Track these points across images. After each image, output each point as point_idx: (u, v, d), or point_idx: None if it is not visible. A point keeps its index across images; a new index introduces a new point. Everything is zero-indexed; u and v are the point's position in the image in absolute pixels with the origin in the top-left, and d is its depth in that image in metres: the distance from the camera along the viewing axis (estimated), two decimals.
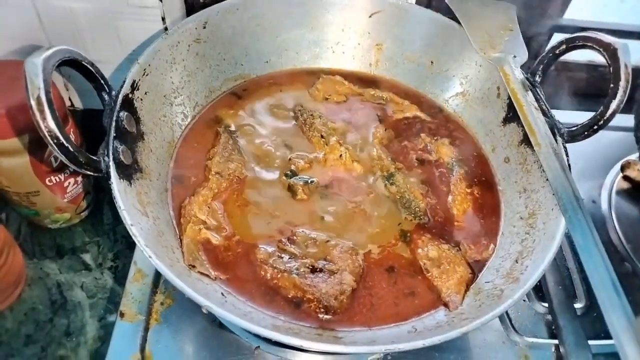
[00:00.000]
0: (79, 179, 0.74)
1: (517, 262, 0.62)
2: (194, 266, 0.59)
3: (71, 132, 0.68)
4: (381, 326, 0.58)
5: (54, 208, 0.73)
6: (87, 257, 0.77)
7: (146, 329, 0.66)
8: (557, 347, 0.70)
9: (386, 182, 0.73)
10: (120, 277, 0.74)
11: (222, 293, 0.58)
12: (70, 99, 0.89)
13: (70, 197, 0.74)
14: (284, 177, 0.71)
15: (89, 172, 0.54)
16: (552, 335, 0.72)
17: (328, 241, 0.64)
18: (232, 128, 0.76)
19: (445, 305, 0.60)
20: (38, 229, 0.78)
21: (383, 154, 0.75)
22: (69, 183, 0.72)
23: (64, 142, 0.50)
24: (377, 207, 0.70)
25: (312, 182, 0.70)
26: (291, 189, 0.69)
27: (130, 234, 0.52)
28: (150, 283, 0.70)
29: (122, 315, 0.67)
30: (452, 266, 0.63)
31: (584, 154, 0.69)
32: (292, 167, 0.72)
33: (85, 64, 0.57)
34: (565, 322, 0.71)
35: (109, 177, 0.54)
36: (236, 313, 0.51)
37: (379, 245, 0.66)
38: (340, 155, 0.73)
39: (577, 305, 0.77)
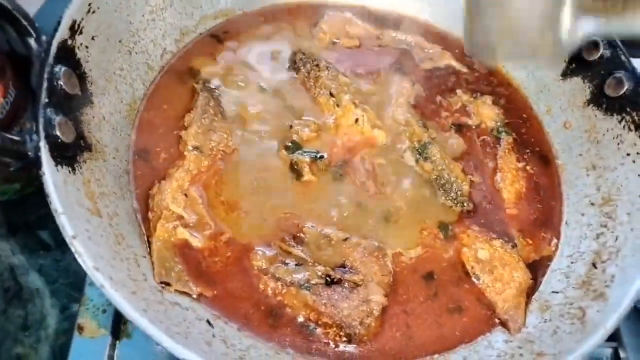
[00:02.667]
0: None
1: (595, 267, 0.52)
2: (167, 284, 0.47)
3: (10, 87, 0.57)
4: (423, 359, 0.47)
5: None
6: (44, 235, 0.68)
7: (113, 347, 0.56)
8: (615, 350, 0.61)
9: (418, 156, 0.60)
10: None
11: (207, 321, 0.46)
12: (9, 42, 0.72)
13: (18, 164, 0.62)
14: (284, 152, 0.59)
15: (6, 160, 0.43)
16: (610, 337, 0.61)
17: (346, 239, 0.53)
18: (213, 84, 0.64)
19: (504, 324, 0.50)
20: None
21: (412, 118, 0.63)
22: None
23: None
24: (407, 191, 0.59)
25: (321, 157, 0.59)
26: (294, 168, 0.58)
27: (72, 250, 0.40)
28: None
29: (80, 329, 0.56)
30: (508, 270, 0.53)
31: None
32: (294, 137, 0.60)
33: None
34: (625, 319, 0.60)
35: (39, 163, 0.43)
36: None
37: (412, 243, 0.55)
38: (357, 120, 0.61)
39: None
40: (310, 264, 0.51)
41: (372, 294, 0.48)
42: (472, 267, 0.54)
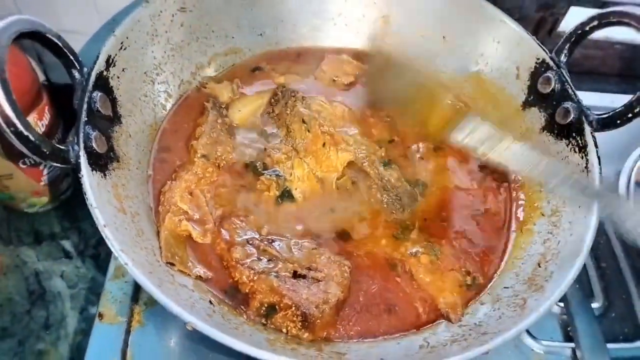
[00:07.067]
0: None
1: (539, 266, 0.57)
2: (172, 264, 0.53)
3: (45, 111, 0.63)
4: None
5: (30, 192, 0.69)
6: (67, 244, 0.73)
7: (128, 332, 0.61)
8: (573, 350, 0.66)
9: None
10: (103, 266, 0.69)
11: (210, 301, 0.52)
12: (45, 73, 0.80)
13: (47, 179, 0.69)
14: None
15: (55, 164, 0.48)
16: (568, 338, 0.68)
17: (315, 248, 0.59)
18: (223, 104, 0.70)
19: (445, 317, 0.56)
20: (14, 214, 0.73)
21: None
22: (46, 165, 0.68)
23: (23, 130, 0.45)
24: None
25: (279, 176, 0.65)
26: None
27: (103, 236, 0.47)
28: (132, 281, 0.64)
29: (100, 316, 0.62)
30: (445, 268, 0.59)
31: (600, 137, 0.63)
32: (266, 160, 0.66)
33: (50, 37, 0.51)
34: (582, 323, 0.67)
35: (79, 168, 0.49)
36: (225, 328, 0.46)
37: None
38: (324, 144, 0.65)
39: (595, 305, 0.72)
40: (281, 260, 0.56)
41: (331, 288, 0.54)
42: (416, 271, 0.58)
